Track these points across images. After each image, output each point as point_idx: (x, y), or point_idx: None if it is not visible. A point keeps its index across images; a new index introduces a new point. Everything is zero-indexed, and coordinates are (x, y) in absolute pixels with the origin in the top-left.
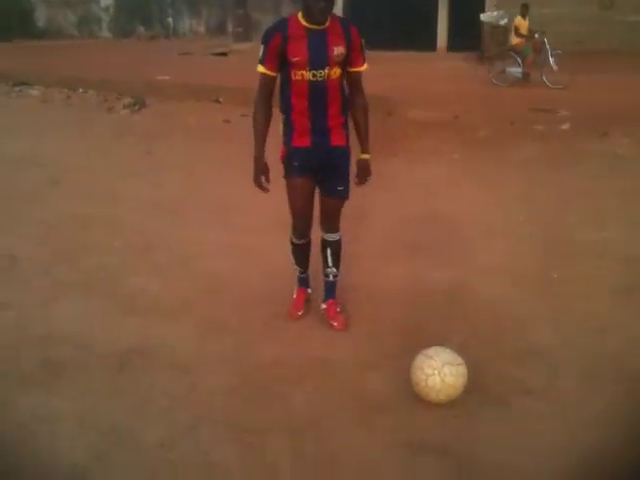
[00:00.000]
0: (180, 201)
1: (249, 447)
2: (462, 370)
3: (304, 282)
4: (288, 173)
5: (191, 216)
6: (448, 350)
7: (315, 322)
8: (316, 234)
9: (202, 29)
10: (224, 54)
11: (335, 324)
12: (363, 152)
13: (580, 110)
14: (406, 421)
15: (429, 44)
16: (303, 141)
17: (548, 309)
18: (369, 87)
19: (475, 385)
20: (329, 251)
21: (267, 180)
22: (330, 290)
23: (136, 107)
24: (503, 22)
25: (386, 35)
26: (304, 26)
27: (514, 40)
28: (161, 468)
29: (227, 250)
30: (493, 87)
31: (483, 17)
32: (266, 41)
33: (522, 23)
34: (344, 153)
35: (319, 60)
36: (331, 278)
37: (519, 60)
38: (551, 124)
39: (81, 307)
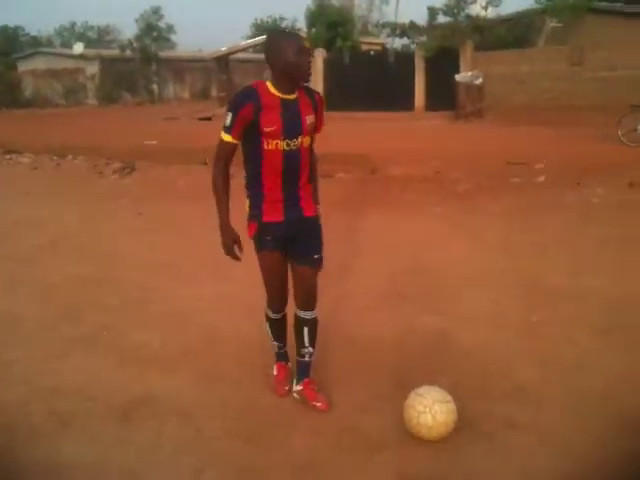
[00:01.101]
0: (174, 259)
1: None
2: (452, 407)
3: (283, 357)
4: (261, 248)
5: (186, 273)
6: (438, 388)
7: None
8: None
9: (187, 95)
10: (209, 118)
11: (319, 405)
12: (315, 202)
13: (555, 162)
14: (400, 457)
15: (407, 104)
16: (275, 216)
17: (530, 350)
18: (351, 146)
19: (464, 422)
20: (306, 330)
21: (240, 248)
22: (305, 370)
23: (126, 171)
24: (478, 81)
25: (366, 97)
26: (277, 95)
27: None
28: None
29: (223, 303)
30: (470, 142)
31: (458, 77)
32: (235, 110)
33: None
34: (316, 222)
35: (294, 129)
36: (307, 358)
37: None
38: (527, 176)
39: (85, 361)
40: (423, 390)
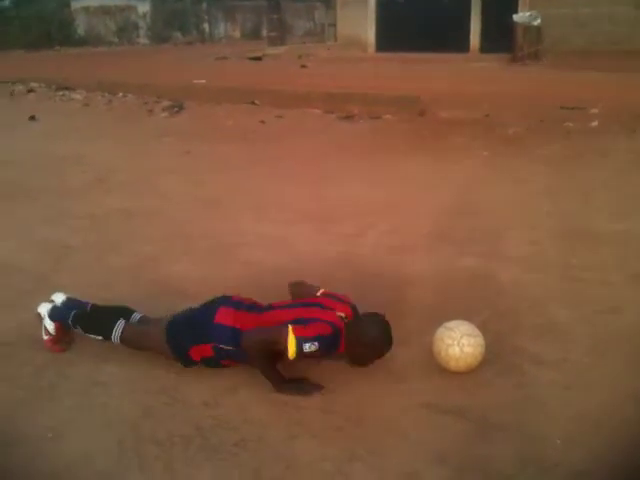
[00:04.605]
0: (218, 196)
1: (284, 405)
2: (480, 341)
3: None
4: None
5: (229, 210)
6: (466, 323)
7: None
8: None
9: (237, 34)
10: (259, 58)
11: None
12: None
13: (611, 108)
14: (427, 387)
15: (462, 46)
16: None
17: (565, 291)
18: (401, 88)
19: (492, 357)
20: None
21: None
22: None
23: (175, 110)
24: (536, 22)
25: (419, 37)
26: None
27: None
28: (205, 422)
29: (263, 240)
30: (525, 86)
31: (516, 18)
32: (325, 348)
33: None
34: None
35: None
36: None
37: None
38: (580, 121)
39: (128, 290)
40: (452, 324)
